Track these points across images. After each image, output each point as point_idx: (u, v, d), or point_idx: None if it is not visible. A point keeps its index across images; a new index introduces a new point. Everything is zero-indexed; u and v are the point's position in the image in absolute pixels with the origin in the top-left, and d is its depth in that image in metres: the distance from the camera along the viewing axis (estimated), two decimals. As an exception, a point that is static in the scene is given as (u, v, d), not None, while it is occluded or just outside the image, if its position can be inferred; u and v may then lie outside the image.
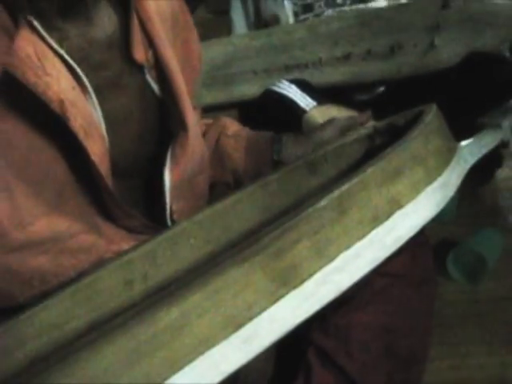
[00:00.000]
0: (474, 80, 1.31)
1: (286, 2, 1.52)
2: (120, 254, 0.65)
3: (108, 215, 0.68)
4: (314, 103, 1.25)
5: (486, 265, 1.08)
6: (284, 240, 0.48)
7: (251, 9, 1.57)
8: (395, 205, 0.57)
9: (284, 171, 0.77)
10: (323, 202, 0.51)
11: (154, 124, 0.73)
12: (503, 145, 1.39)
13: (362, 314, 0.74)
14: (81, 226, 0.65)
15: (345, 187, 0.53)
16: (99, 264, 0.65)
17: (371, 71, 1.48)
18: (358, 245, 0.53)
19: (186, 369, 0.43)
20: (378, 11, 1.50)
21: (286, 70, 1.47)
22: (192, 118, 0.73)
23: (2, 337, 0.58)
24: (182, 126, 0.71)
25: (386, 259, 0.68)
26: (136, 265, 0.65)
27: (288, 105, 1.27)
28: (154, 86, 0.71)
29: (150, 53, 0.69)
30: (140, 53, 0.68)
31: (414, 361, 0.78)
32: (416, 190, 0.59)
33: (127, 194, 0.70)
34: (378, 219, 0.55)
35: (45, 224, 0.62)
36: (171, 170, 0.71)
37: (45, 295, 0.62)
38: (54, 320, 0.60)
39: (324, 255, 0.50)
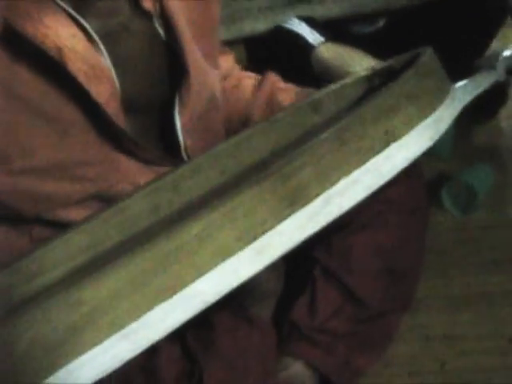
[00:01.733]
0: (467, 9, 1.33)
1: None
2: (146, 184, 0.71)
3: (123, 149, 0.73)
4: (322, 39, 1.25)
5: (476, 197, 1.14)
6: (289, 167, 0.53)
7: None
8: (390, 137, 0.60)
9: (291, 110, 0.80)
10: (324, 135, 0.56)
11: (162, 66, 0.78)
12: (501, 85, 1.44)
13: (361, 235, 0.81)
14: (88, 157, 0.70)
15: (343, 121, 0.57)
16: (128, 193, 0.70)
17: (370, 2, 1.46)
18: (357, 172, 0.57)
19: (209, 274, 0.49)
20: None
21: (289, 6, 1.46)
22: (195, 61, 0.77)
23: (45, 255, 0.63)
24: (185, 69, 0.76)
25: (382, 187, 0.74)
26: (161, 193, 0.70)
27: (297, 41, 1.28)
28: (161, 32, 0.76)
29: (157, 4, 0.75)
30: (148, 2, 0.74)
31: (407, 277, 0.85)
32: (410, 125, 0.62)
33: (143, 130, 0.76)
34: (374, 149, 0.59)
35: (48, 154, 0.67)
36: (180, 110, 0.76)
37: (81, 220, 0.68)
38: (89, 242, 0.66)
39: (326, 180, 0.55)
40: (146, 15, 0.74)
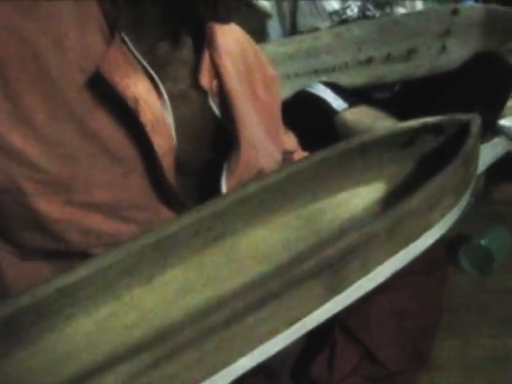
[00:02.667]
0: (477, 78, 1.39)
1: (324, 19, 1.59)
2: (195, 210, 0.69)
3: (167, 201, 0.75)
4: (346, 105, 1.32)
5: (493, 259, 1.16)
6: (343, 260, 0.56)
7: (287, 26, 1.64)
8: (427, 227, 0.64)
9: (340, 148, 0.77)
10: (377, 227, 0.58)
11: (214, 137, 0.81)
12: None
13: (379, 297, 0.84)
14: (140, 202, 0.73)
15: (397, 214, 0.59)
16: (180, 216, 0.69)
17: (391, 73, 1.57)
18: (388, 261, 0.60)
19: (256, 350, 0.53)
20: (395, 18, 1.58)
21: (315, 74, 1.54)
22: (248, 138, 0.81)
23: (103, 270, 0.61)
24: (237, 145, 0.79)
25: None
26: (205, 220, 0.69)
27: (321, 105, 1.35)
28: (215, 109, 0.80)
29: (215, 82, 0.79)
30: (205, 80, 0.78)
31: (423, 337, 0.87)
32: (444, 213, 0.65)
33: (188, 190, 0.78)
34: (410, 240, 0.62)
35: (107, 193, 0.70)
36: (227, 177, 0.79)
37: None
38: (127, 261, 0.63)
39: (365, 270, 0.58)
40: (201, 91, 0.78)
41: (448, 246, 1.13)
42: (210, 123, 0.80)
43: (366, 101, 1.38)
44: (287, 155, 1.04)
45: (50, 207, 0.68)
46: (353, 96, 1.37)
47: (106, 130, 0.69)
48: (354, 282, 0.58)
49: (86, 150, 0.68)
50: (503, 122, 0.84)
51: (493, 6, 1.53)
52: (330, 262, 0.55)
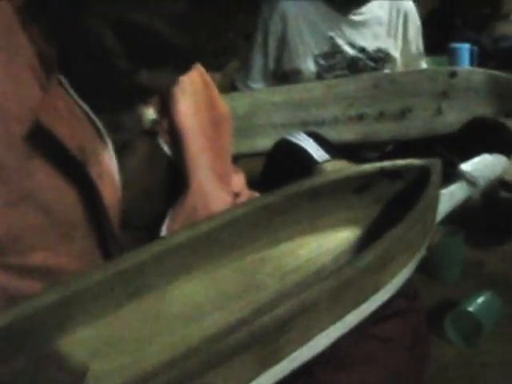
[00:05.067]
0: (474, 143, 1.30)
1: (308, 59, 1.54)
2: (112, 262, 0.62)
3: (111, 258, 0.66)
4: (327, 157, 1.24)
5: (481, 328, 1.05)
6: (278, 331, 0.50)
7: (271, 60, 1.58)
8: (375, 290, 0.58)
9: (285, 193, 0.70)
10: (318, 293, 0.52)
11: (163, 182, 0.74)
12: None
13: (347, 373, 0.72)
14: (77, 264, 0.64)
15: (345, 276, 0.53)
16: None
17: (383, 132, 1.52)
18: (331, 328, 0.54)
19: None
20: (392, 75, 1.54)
21: (303, 126, 1.49)
22: (198, 180, 0.73)
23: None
24: (185, 185, 0.72)
25: (374, 322, 0.69)
26: (123, 273, 0.60)
27: (302, 155, 1.27)
28: (166, 149, 0.72)
29: (166, 120, 0.72)
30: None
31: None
32: (395, 274, 0.60)
33: (133, 244, 0.67)
34: (357, 304, 0.56)
35: (46, 256, 0.62)
36: (169, 226, 0.71)
37: None
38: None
39: (304, 339, 0.52)
40: (149, 133, 0.71)
41: (433, 313, 1.02)
42: (158, 167, 0.72)
43: (353, 159, 1.29)
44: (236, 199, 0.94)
45: None
46: (335, 149, 1.30)
47: (44, 187, 0.60)
48: (290, 352, 0.52)
49: (21, 210, 0.59)
50: (464, 166, 0.77)
51: (493, 71, 1.51)
52: (261, 334, 0.49)
